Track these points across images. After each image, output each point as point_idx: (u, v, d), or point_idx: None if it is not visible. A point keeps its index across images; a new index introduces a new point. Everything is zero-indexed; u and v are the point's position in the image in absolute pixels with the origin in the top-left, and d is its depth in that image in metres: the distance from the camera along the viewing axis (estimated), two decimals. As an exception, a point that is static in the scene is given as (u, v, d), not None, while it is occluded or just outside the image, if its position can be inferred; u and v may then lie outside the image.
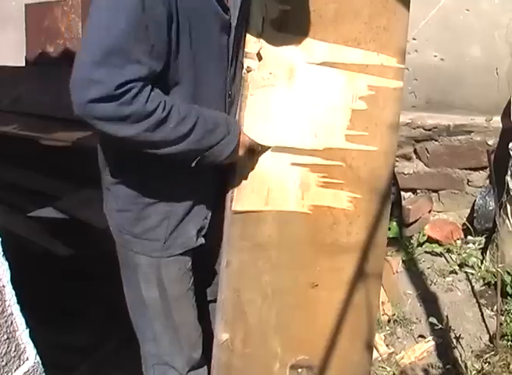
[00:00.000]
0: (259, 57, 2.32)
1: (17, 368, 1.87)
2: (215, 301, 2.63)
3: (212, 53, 2.19)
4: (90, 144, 3.51)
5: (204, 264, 2.59)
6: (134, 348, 2.67)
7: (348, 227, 2.60)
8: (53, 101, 4.15)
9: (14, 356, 1.85)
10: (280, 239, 2.52)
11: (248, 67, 2.32)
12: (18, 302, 1.85)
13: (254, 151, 2.38)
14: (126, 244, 2.44)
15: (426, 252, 4.45)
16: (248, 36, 2.32)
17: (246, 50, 2.32)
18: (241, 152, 2.30)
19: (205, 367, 2.72)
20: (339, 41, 2.44)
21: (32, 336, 1.92)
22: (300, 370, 2.66)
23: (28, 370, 1.91)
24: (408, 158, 4.64)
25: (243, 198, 2.42)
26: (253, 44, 2.32)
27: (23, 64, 4.93)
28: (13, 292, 1.84)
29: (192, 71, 2.14)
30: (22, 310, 1.87)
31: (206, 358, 2.69)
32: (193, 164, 2.15)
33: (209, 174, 2.36)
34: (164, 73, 2.06)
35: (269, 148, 2.41)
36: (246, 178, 2.41)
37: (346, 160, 2.52)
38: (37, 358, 1.96)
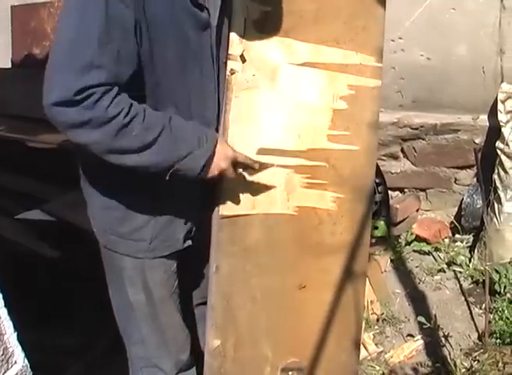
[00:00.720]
0: (242, 59, 2.31)
1: (5, 371, 1.86)
2: (204, 304, 2.62)
3: (191, 53, 2.16)
4: (77, 146, 3.52)
5: (191, 266, 2.57)
6: (124, 350, 2.67)
7: (332, 227, 2.60)
8: (39, 104, 4.13)
9: (2, 360, 1.84)
10: (268, 242, 2.51)
11: (232, 69, 2.31)
12: (5, 305, 1.85)
13: (243, 164, 2.30)
14: (111, 245, 2.42)
15: (414, 251, 4.45)
16: (231, 37, 2.30)
17: (229, 52, 2.30)
18: (224, 165, 2.21)
19: (193, 369, 2.71)
20: (320, 42, 2.43)
21: (20, 339, 1.92)
22: (290, 373, 2.66)
23: (16, 374, 1.90)
24: (395, 158, 4.64)
25: (230, 202, 2.41)
26: (236, 45, 2.31)
27: (9, 66, 4.91)
28: (1, 295, 1.84)
29: (171, 72, 2.13)
30: (9, 313, 1.86)
31: (194, 360, 2.69)
32: (167, 177, 2.10)
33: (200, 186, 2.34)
34: (140, 76, 2.05)
35: (271, 165, 2.37)
36: (233, 182, 2.37)
37: (329, 160, 2.52)
38: (26, 361, 1.95)
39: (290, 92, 2.43)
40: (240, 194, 2.41)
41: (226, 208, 2.41)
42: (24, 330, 1.96)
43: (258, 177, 2.39)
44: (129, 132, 1.98)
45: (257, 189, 2.42)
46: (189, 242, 2.44)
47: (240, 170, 2.30)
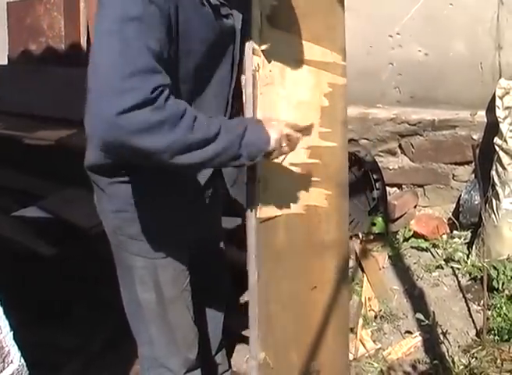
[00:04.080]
0: (264, 54, 2.29)
1: (1, 371, 1.85)
2: (215, 302, 2.60)
3: (214, 62, 2.17)
4: (74, 142, 3.51)
5: (201, 264, 2.58)
6: (120, 349, 2.67)
7: (327, 225, 2.62)
8: (36, 100, 4.13)
9: (-2, 359, 1.84)
10: (289, 243, 2.50)
11: (258, 65, 2.28)
12: (1, 305, 1.84)
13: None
14: (122, 245, 2.42)
15: (412, 247, 4.45)
16: (252, 32, 2.27)
17: (253, 46, 2.27)
18: (279, 128, 2.16)
19: (199, 369, 2.72)
20: (309, 39, 2.44)
21: (16, 338, 1.91)
22: None
23: (12, 373, 1.89)
24: (393, 154, 4.63)
25: (263, 204, 2.37)
26: (257, 40, 2.28)
27: (6, 62, 4.90)
28: (-4, 294, 1.83)
29: (189, 83, 2.11)
30: (5, 312, 1.85)
31: (202, 360, 2.70)
32: (243, 160, 2.06)
33: (210, 185, 2.36)
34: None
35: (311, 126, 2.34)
36: (265, 183, 2.35)
37: (321, 157, 2.54)
38: (22, 360, 1.94)
39: (293, 90, 2.43)
40: (270, 196, 2.38)
41: (262, 211, 2.37)
42: (20, 329, 1.95)
43: (280, 177, 2.38)
44: (201, 123, 1.93)
45: (279, 188, 2.40)
46: (199, 241, 2.43)
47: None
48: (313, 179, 2.52)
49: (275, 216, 2.42)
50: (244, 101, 2.37)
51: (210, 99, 2.22)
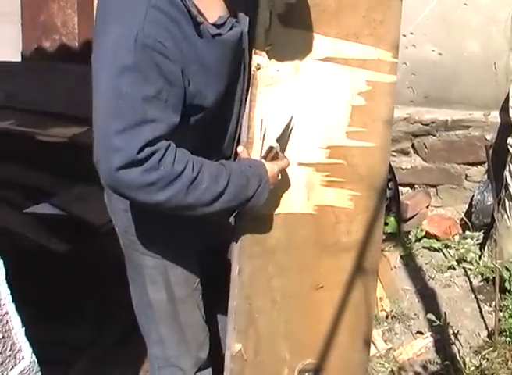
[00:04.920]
0: (268, 54, 2.26)
1: (13, 367, 1.86)
2: (225, 301, 2.60)
3: (231, 79, 2.16)
4: (86, 140, 3.51)
5: (211, 263, 2.56)
6: (130, 345, 2.67)
7: (349, 226, 2.58)
8: (49, 97, 4.14)
9: (10, 355, 1.85)
10: (288, 242, 2.48)
11: (258, 64, 2.26)
12: (13, 301, 1.84)
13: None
14: (132, 244, 2.41)
15: (424, 248, 4.43)
16: (257, 32, 2.25)
17: (255, 46, 2.25)
18: (276, 180, 2.24)
19: (210, 368, 2.71)
20: (340, 36, 2.39)
21: (28, 334, 1.91)
22: (307, 374, 2.66)
23: (24, 369, 1.90)
24: (406, 153, 4.62)
25: None
26: (262, 40, 2.26)
27: (19, 59, 4.92)
28: (8, 291, 1.83)
29: (214, 108, 2.11)
30: (17, 309, 1.86)
31: (212, 359, 2.69)
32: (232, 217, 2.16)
33: None
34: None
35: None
36: None
37: (346, 158, 2.50)
38: (33, 357, 1.95)
39: (311, 88, 2.39)
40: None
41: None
42: (31, 326, 1.96)
43: (281, 176, 2.35)
44: (199, 185, 1.95)
45: (278, 188, 2.36)
46: (208, 243, 2.43)
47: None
48: (331, 179, 2.49)
49: (269, 214, 2.40)
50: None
51: (230, 107, 2.25)
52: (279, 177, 2.26)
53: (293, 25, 2.30)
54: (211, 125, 2.16)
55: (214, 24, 1.99)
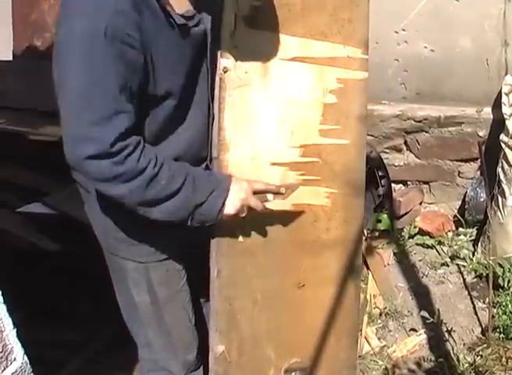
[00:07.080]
0: (235, 56, 2.27)
1: (4, 369, 1.85)
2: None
3: (194, 73, 2.18)
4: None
5: (196, 262, 2.53)
6: (124, 346, 2.66)
7: (327, 223, 2.59)
8: (41, 96, 4.12)
9: (1, 357, 1.84)
10: (267, 242, 2.49)
11: (225, 67, 2.27)
12: (4, 302, 1.83)
13: (267, 192, 2.34)
14: (112, 249, 2.40)
15: (417, 244, 4.44)
16: (222, 34, 2.26)
17: (221, 49, 2.27)
18: (240, 202, 2.23)
19: (201, 369, 2.70)
20: (308, 35, 2.41)
21: (19, 335, 1.90)
22: (293, 373, 2.66)
23: (16, 371, 1.90)
24: (399, 150, 4.62)
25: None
26: (228, 42, 2.27)
27: (11, 58, 4.90)
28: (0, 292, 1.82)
29: (175, 99, 2.13)
30: (8, 310, 1.85)
31: (202, 359, 2.68)
32: (189, 223, 2.15)
33: None
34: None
35: (296, 187, 2.43)
36: None
37: (321, 155, 2.51)
38: (25, 358, 1.94)
39: (282, 88, 2.40)
40: None
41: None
42: (23, 326, 1.95)
43: (254, 176, 2.37)
44: (158, 182, 2.01)
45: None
46: (193, 241, 2.40)
47: (269, 197, 2.35)
48: (307, 177, 2.49)
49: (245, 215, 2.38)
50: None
51: (195, 106, 2.25)
52: (252, 200, 2.27)
53: (259, 27, 2.32)
54: (178, 124, 2.21)
55: (182, 15, 2.03)
